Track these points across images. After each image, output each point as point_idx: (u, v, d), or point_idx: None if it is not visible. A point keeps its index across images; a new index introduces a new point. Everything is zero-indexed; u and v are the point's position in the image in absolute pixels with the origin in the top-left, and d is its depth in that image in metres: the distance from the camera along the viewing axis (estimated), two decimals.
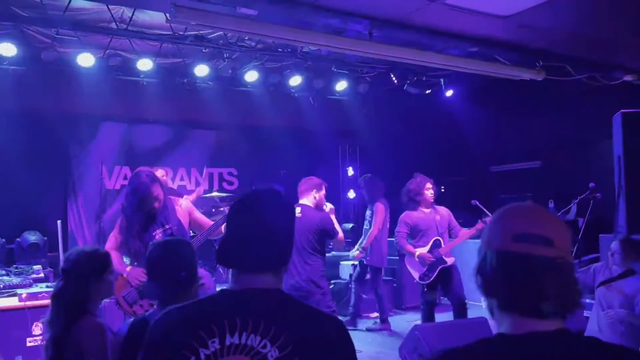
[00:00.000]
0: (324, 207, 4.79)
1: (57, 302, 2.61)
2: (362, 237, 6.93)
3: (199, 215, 4.31)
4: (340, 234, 4.75)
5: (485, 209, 5.64)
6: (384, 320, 6.90)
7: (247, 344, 1.26)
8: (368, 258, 6.77)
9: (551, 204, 7.89)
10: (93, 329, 2.52)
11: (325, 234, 4.63)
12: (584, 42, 6.12)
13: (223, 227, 4.03)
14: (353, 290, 7.08)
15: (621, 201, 5.99)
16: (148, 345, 1.34)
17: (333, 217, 4.79)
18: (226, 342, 1.26)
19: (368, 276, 6.95)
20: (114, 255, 3.51)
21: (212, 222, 4.15)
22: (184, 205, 4.21)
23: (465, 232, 5.63)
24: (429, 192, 5.68)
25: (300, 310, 1.38)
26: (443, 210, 5.82)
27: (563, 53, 6.48)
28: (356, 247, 6.92)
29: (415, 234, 5.65)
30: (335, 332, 1.36)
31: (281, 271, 1.47)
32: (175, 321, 1.36)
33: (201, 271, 3.18)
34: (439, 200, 6.00)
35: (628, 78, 6.93)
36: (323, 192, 4.82)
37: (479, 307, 7.75)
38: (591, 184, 5.93)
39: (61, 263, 2.77)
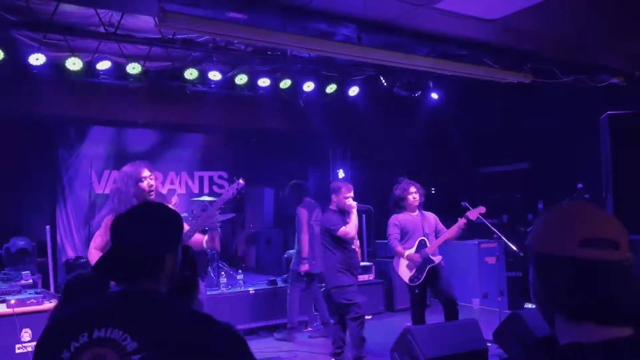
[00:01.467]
0: (345, 206, 5.31)
1: None
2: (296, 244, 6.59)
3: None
4: (343, 229, 5.21)
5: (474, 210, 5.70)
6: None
7: (110, 337, 1.38)
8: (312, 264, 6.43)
9: (540, 205, 7.96)
10: None
11: (328, 232, 5.30)
12: (570, 45, 6.19)
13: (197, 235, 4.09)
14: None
15: (609, 202, 6.05)
16: (38, 340, 1.49)
17: (353, 213, 5.30)
18: (93, 335, 1.39)
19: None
20: (98, 256, 3.48)
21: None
22: None
23: (449, 230, 5.65)
24: (412, 196, 5.70)
25: (172, 310, 1.47)
26: (430, 215, 5.86)
27: (550, 56, 6.55)
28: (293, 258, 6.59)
29: (402, 235, 5.68)
30: (205, 334, 1.42)
31: (160, 276, 1.56)
32: (58, 318, 1.55)
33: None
34: (428, 201, 6.02)
35: (614, 80, 7.01)
36: (342, 194, 5.35)
37: (469, 308, 7.81)
38: (579, 185, 5.99)
39: (50, 269, 2.75)
